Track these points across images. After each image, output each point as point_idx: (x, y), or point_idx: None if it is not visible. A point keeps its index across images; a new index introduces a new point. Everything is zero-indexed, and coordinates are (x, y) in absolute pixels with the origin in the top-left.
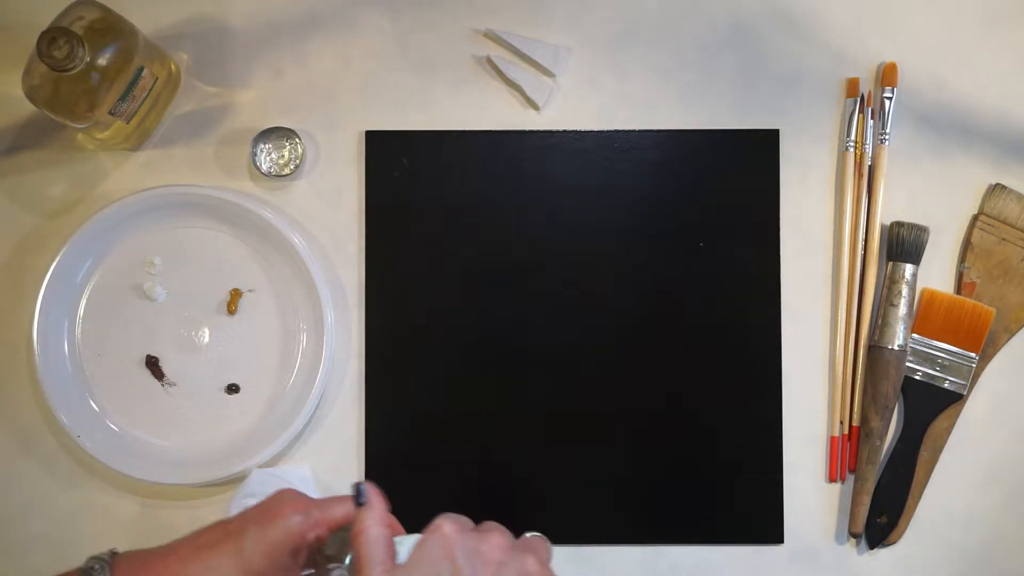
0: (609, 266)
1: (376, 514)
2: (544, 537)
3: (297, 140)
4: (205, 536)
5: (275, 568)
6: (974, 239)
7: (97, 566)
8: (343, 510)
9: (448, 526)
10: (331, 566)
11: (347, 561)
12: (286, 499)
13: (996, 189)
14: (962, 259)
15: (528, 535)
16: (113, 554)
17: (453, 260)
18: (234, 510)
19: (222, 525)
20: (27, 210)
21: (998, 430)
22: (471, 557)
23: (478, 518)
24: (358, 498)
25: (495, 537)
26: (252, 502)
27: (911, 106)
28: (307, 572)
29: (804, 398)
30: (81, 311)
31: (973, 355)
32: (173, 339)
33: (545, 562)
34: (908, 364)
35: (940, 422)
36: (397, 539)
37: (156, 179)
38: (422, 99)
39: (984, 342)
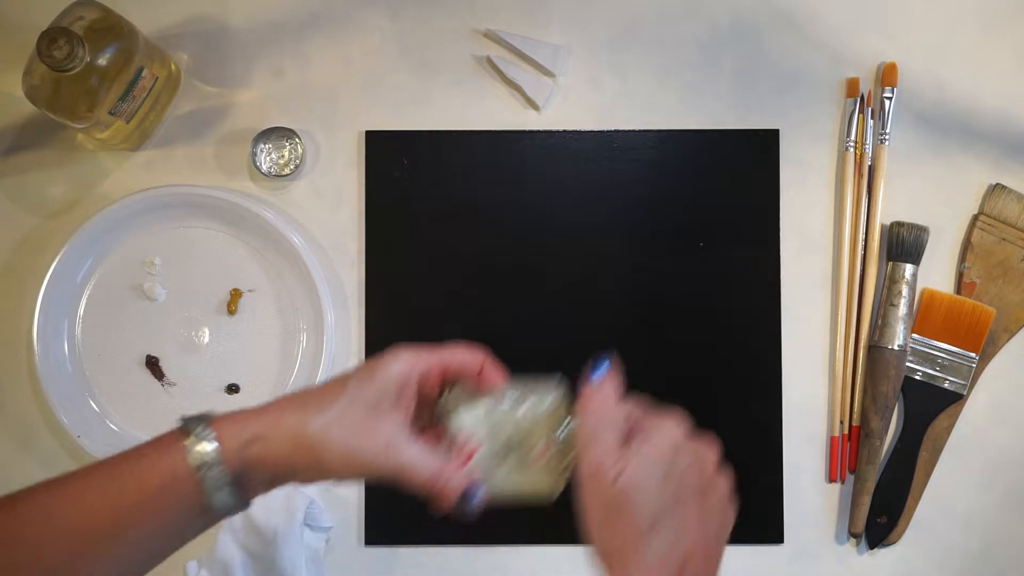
0: (609, 266)
1: (607, 391)
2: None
3: (297, 140)
4: (304, 392)
5: (374, 417)
6: (974, 239)
7: (194, 421)
8: (464, 358)
9: (675, 423)
10: (559, 432)
11: (564, 427)
12: (394, 349)
13: (996, 189)
14: (962, 259)
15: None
16: (211, 414)
17: (453, 260)
18: None
19: (328, 383)
20: (27, 210)
21: (998, 430)
22: (688, 465)
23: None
24: (593, 372)
25: (712, 455)
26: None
27: (911, 106)
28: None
29: (804, 398)
30: (81, 311)
31: (973, 355)
32: (173, 339)
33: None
34: (908, 364)
35: (940, 422)
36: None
37: (156, 179)
38: (422, 99)
39: (984, 342)
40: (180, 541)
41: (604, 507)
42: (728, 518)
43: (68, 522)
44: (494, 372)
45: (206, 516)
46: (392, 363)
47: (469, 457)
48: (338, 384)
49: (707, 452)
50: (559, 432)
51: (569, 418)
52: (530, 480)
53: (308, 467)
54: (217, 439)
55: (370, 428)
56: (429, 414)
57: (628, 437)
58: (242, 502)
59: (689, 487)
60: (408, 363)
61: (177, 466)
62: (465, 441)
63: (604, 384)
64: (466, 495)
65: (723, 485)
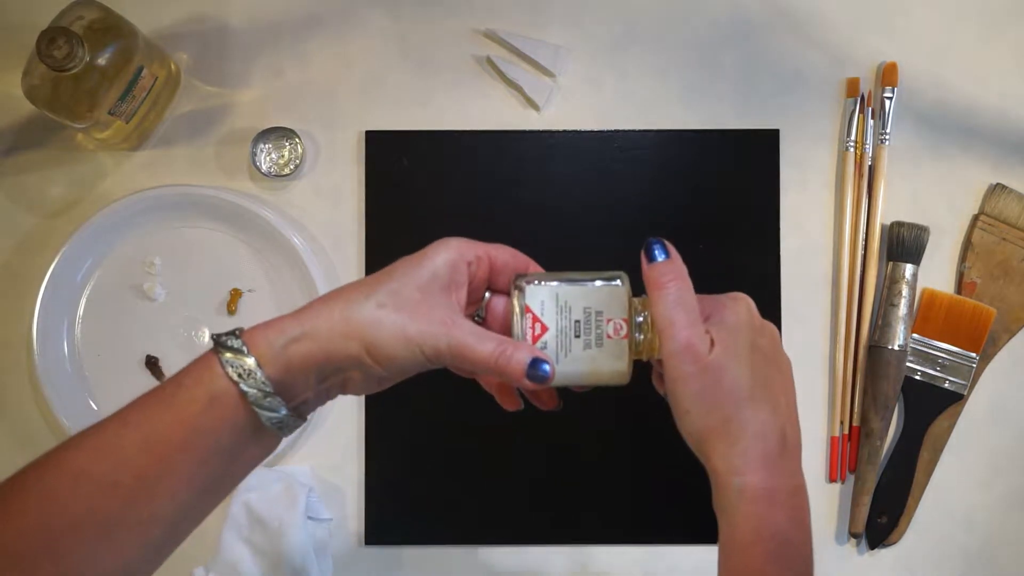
0: (609, 266)
1: (677, 268)
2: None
3: (297, 140)
4: (345, 286)
5: (426, 298)
6: (974, 239)
7: (225, 335)
8: (512, 256)
9: (748, 299)
10: (637, 317)
11: (638, 308)
12: (442, 238)
13: (996, 189)
14: (962, 259)
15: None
16: (241, 329)
17: None
18: (234, 508)
19: (369, 276)
20: (27, 210)
21: (998, 430)
22: (766, 337)
23: (479, 520)
24: (651, 253)
25: (775, 330)
26: (253, 496)
27: (911, 106)
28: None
29: (804, 398)
30: (81, 311)
31: (973, 355)
32: (173, 339)
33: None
34: (908, 364)
35: (940, 422)
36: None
37: (156, 179)
38: (422, 99)
39: (984, 342)
40: (243, 466)
41: (701, 381)
42: (795, 391)
43: (108, 475)
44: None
45: (260, 436)
46: (441, 249)
47: (540, 335)
48: (383, 272)
49: (772, 327)
50: (634, 312)
51: (642, 297)
52: (604, 360)
53: (359, 356)
54: (252, 347)
55: (423, 307)
56: (475, 312)
57: (703, 316)
58: (294, 414)
59: (771, 356)
60: (457, 250)
61: (215, 383)
62: (535, 317)
63: (672, 261)
64: (533, 369)
65: (788, 359)
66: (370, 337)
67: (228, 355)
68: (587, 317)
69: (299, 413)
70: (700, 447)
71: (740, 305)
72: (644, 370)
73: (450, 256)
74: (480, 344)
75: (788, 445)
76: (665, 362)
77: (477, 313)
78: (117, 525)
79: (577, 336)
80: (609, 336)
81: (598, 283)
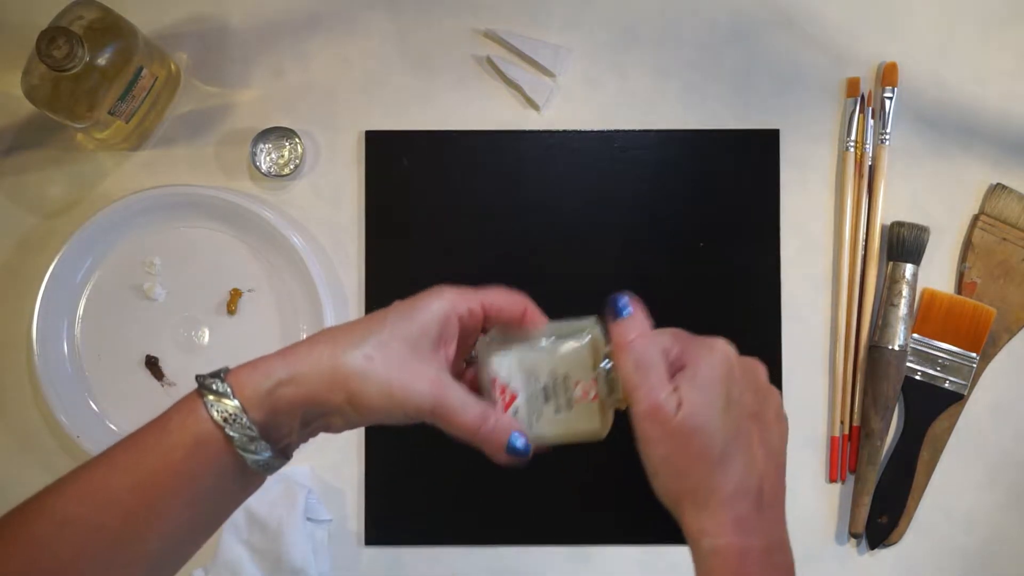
0: (609, 266)
1: (639, 324)
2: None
3: (297, 140)
4: (334, 328)
5: (415, 353)
6: (975, 239)
7: (210, 378)
8: (506, 301)
9: (725, 345)
10: (601, 369)
11: (605, 365)
12: (435, 287)
13: (997, 189)
14: (963, 259)
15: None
16: (228, 368)
17: (453, 260)
18: None
19: (359, 319)
20: (27, 210)
21: (999, 430)
22: (743, 386)
23: (479, 520)
24: (615, 309)
25: (762, 371)
26: (252, 498)
27: (911, 106)
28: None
29: (804, 398)
30: (81, 311)
31: (974, 355)
32: (173, 339)
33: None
34: (908, 364)
35: (940, 422)
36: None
37: (156, 179)
38: (422, 99)
39: (985, 342)
40: (230, 504)
41: (667, 445)
42: (785, 431)
43: (94, 519)
44: (537, 316)
45: (245, 476)
46: (434, 301)
47: (510, 403)
48: (373, 319)
49: (756, 369)
50: (601, 369)
51: (607, 358)
52: (577, 421)
53: (343, 405)
54: (237, 390)
55: (411, 363)
56: (464, 359)
57: (674, 368)
58: (279, 455)
59: (748, 408)
60: (450, 301)
61: (200, 427)
62: (503, 386)
63: (633, 318)
64: (513, 448)
65: (775, 399)
66: (354, 389)
67: (212, 398)
68: (554, 381)
69: (284, 454)
70: (671, 507)
71: (715, 356)
72: None
73: (443, 309)
74: (464, 412)
75: (765, 502)
76: (634, 423)
77: (470, 356)
78: (104, 568)
79: (547, 400)
80: (578, 399)
81: (563, 347)
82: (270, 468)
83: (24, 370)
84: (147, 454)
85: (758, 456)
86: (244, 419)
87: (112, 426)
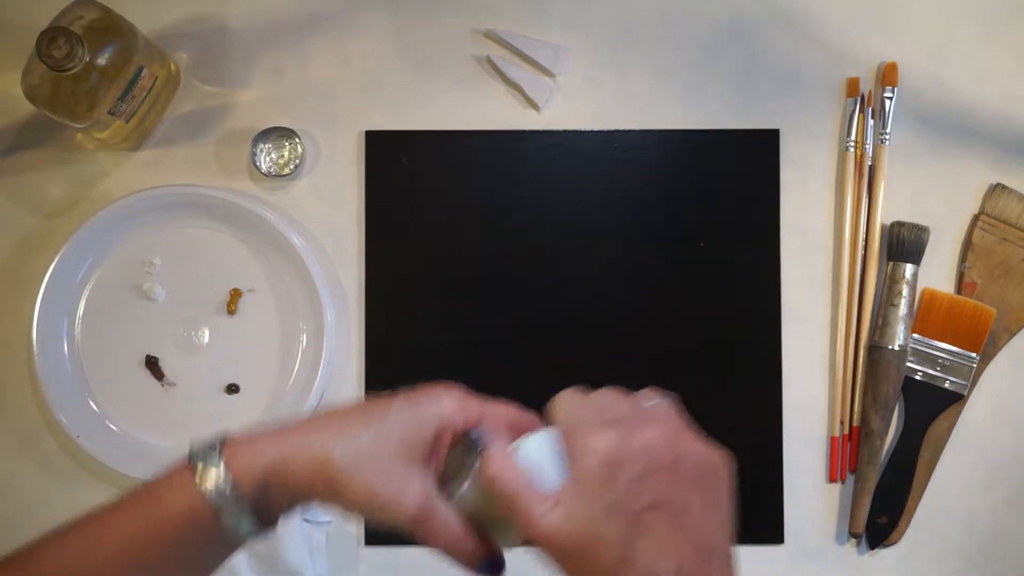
0: (609, 266)
1: (499, 454)
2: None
3: (297, 140)
4: (329, 415)
5: (407, 460)
6: (975, 239)
7: (205, 452)
8: (510, 415)
9: (605, 438)
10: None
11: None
12: (441, 386)
13: (997, 189)
14: (963, 259)
15: (651, 404)
16: (224, 439)
17: (453, 260)
18: None
19: (356, 407)
20: (27, 210)
21: (999, 430)
22: (639, 467)
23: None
24: (475, 446)
25: (661, 446)
26: None
27: (911, 106)
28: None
29: (804, 398)
30: (81, 311)
31: (974, 355)
32: (173, 339)
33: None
34: (908, 364)
35: (940, 422)
36: (533, 440)
37: (156, 179)
38: (422, 99)
39: (985, 342)
40: (215, 563)
41: (566, 562)
42: (713, 492)
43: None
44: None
45: (231, 544)
46: (436, 404)
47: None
48: (374, 412)
49: (656, 446)
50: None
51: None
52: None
53: (324, 497)
54: (232, 469)
55: (400, 471)
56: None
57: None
58: (266, 525)
59: (648, 495)
60: (452, 409)
61: (194, 502)
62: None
63: (490, 447)
64: (481, 567)
65: (691, 462)
66: (339, 486)
67: (206, 476)
68: (488, 509)
69: (271, 523)
70: None
71: (594, 449)
72: (645, 371)
73: (444, 415)
74: (442, 531)
75: None
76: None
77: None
78: None
79: (494, 526)
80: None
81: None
82: (256, 536)
83: (24, 370)
84: (140, 519)
85: (669, 541)
86: (236, 498)
87: (112, 426)
